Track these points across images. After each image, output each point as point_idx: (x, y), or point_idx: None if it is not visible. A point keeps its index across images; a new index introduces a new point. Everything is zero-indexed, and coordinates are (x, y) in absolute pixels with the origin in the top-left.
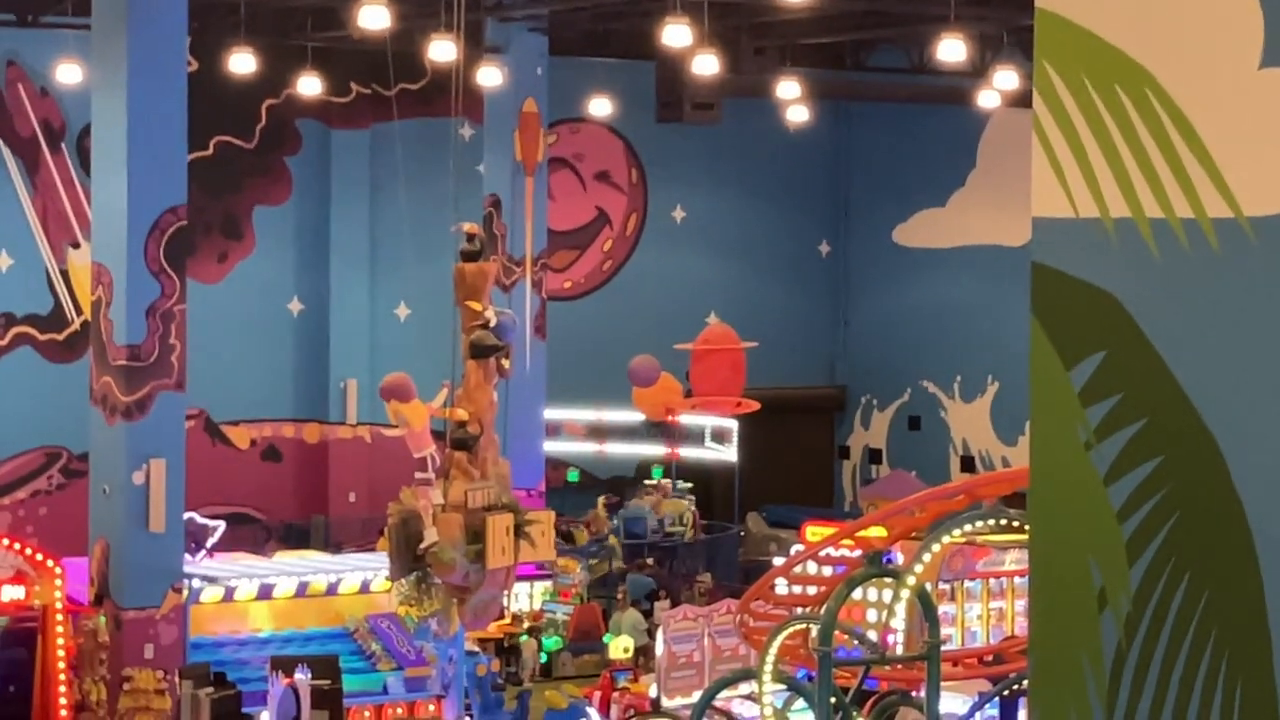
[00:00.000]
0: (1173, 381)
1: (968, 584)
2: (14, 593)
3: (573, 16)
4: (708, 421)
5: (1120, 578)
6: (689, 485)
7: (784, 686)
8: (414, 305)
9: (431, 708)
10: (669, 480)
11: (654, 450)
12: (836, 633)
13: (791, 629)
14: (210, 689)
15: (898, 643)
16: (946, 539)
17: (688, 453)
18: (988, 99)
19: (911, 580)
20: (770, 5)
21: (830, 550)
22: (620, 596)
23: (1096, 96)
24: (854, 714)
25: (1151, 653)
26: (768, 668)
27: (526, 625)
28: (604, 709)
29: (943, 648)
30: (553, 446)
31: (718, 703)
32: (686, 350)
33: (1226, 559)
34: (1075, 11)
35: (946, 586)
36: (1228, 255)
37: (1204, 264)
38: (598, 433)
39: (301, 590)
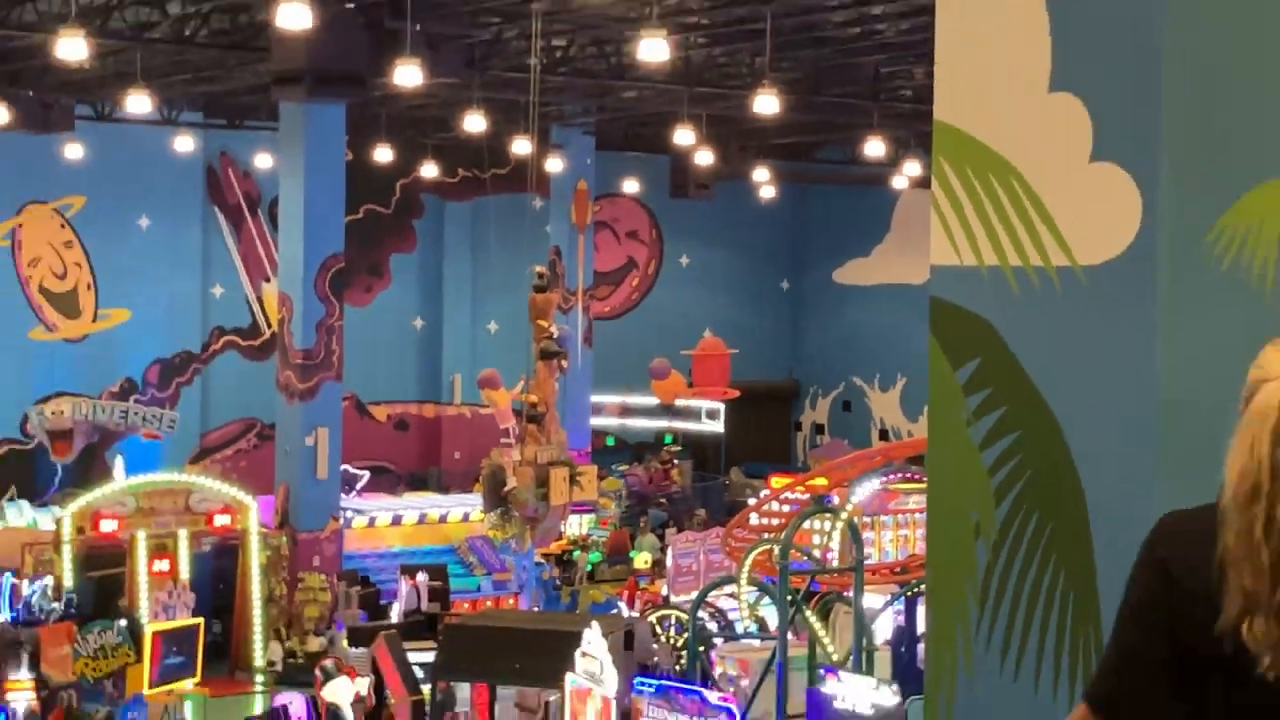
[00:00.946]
0: (1027, 379)
1: (883, 518)
2: (223, 520)
3: (611, 124)
4: (704, 404)
5: (989, 516)
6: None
7: (755, 588)
8: (501, 323)
9: (511, 601)
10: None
11: (666, 424)
12: (792, 551)
13: (761, 549)
14: (358, 587)
15: (834, 558)
16: (871, 485)
17: (690, 426)
18: (899, 182)
19: (844, 515)
20: (749, 116)
21: (788, 494)
22: (642, 525)
23: (976, 181)
24: (803, 608)
25: (1010, 568)
26: (744, 575)
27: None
28: (630, 603)
29: (865, 562)
30: (596, 421)
31: (709, 599)
32: (689, 355)
33: (1064, 503)
34: (961, 122)
35: (869, 519)
36: (1066, 292)
37: (1049, 298)
38: (627, 411)
39: (422, 519)
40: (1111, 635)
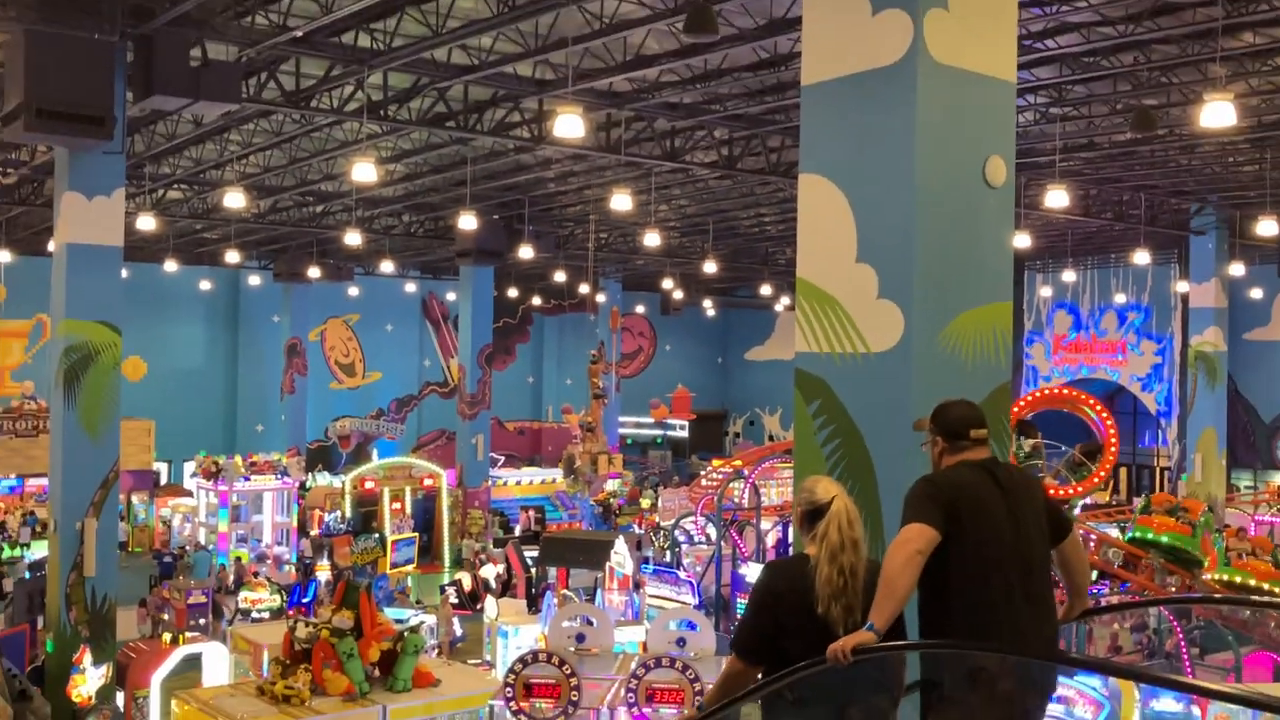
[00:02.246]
0: (845, 412)
1: (770, 480)
2: (429, 482)
3: (631, 275)
4: (678, 422)
5: None
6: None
7: (705, 518)
8: (574, 379)
9: (578, 525)
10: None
11: (658, 432)
12: (723, 498)
13: (706, 498)
14: (499, 517)
15: (745, 503)
16: (765, 465)
17: (671, 433)
18: (779, 307)
19: (751, 479)
20: (701, 272)
21: (722, 470)
22: (645, 486)
23: (818, 307)
24: (728, 529)
25: None
26: (697, 514)
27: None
28: (640, 526)
29: (761, 505)
30: (622, 430)
31: (681, 524)
32: (671, 396)
33: (863, 474)
34: (811, 277)
35: (763, 483)
36: (865, 366)
37: (856, 369)
38: (638, 425)
39: (530, 481)
40: (742, 621)
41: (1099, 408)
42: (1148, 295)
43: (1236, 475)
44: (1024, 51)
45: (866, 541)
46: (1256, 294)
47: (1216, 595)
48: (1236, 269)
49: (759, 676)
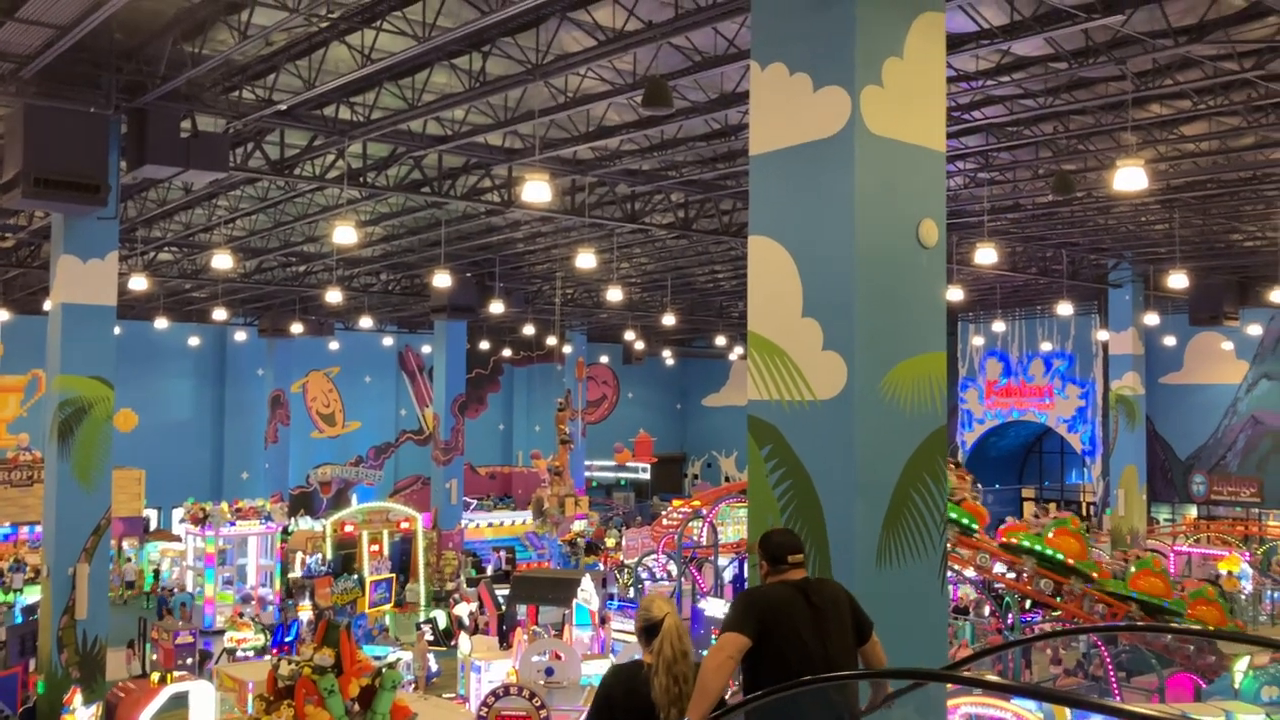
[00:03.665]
0: (794, 455)
1: (726, 520)
2: (406, 525)
3: (595, 328)
4: (640, 465)
5: (777, 520)
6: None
7: (666, 555)
8: (542, 425)
9: (546, 564)
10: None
11: (621, 475)
12: (683, 536)
13: (667, 537)
14: (472, 557)
15: (703, 540)
16: (722, 505)
17: (633, 475)
18: (733, 356)
19: (709, 518)
20: (660, 324)
21: (681, 510)
22: (610, 526)
23: (768, 357)
24: (685, 569)
25: None
26: (659, 552)
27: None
28: (606, 564)
29: (719, 543)
30: (587, 474)
31: (644, 562)
32: (633, 440)
33: (811, 514)
34: (761, 329)
35: (723, 521)
36: (811, 412)
37: (804, 415)
38: (603, 469)
39: (503, 523)
40: (587, 716)
41: None
42: (1071, 343)
43: (1156, 509)
44: (953, 122)
45: (693, 650)
46: (1170, 341)
47: (1140, 624)
48: (1151, 319)
49: None
